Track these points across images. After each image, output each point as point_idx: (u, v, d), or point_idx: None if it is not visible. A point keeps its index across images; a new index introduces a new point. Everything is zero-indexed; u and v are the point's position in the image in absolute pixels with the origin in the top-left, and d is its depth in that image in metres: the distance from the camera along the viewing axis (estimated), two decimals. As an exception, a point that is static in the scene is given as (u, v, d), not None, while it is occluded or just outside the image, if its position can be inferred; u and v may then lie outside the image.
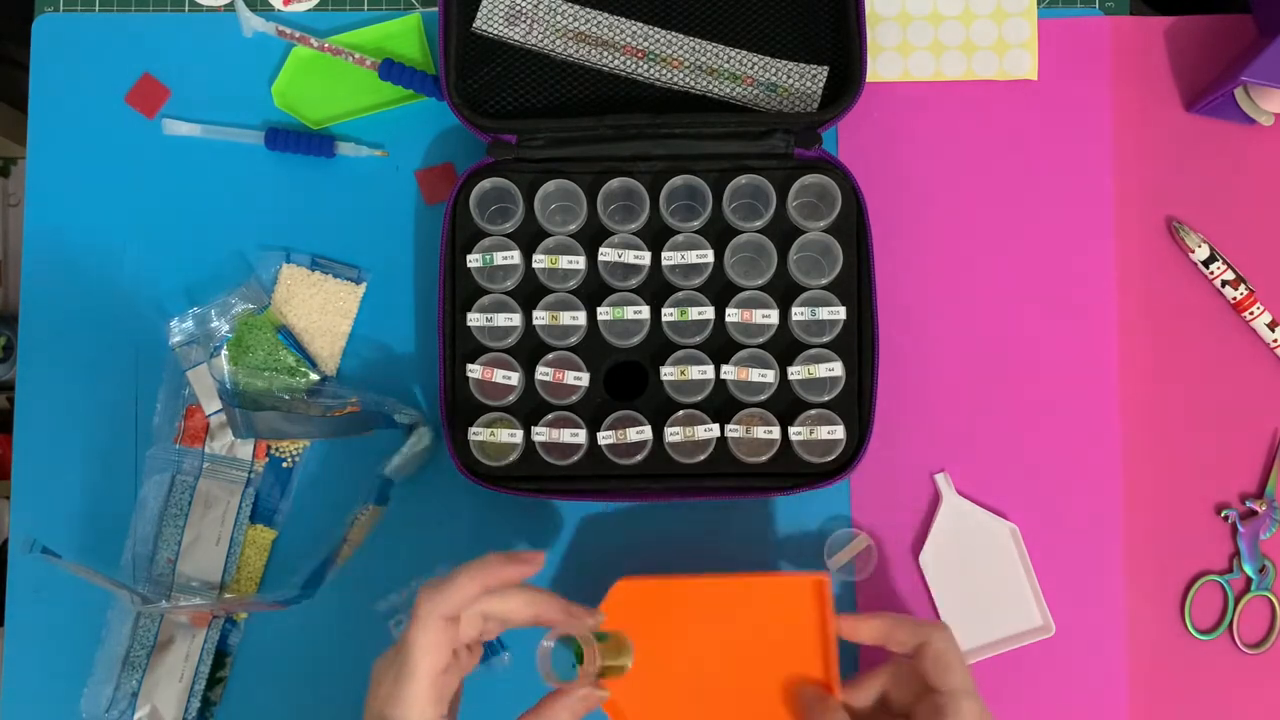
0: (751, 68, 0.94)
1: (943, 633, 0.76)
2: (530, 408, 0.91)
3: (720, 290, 0.91)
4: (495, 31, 0.95)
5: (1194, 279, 0.96)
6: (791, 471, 0.89)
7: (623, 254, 0.90)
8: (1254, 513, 0.94)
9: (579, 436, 0.89)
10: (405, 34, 0.98)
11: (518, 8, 0.95)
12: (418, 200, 0.97)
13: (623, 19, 0.95)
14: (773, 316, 0.90)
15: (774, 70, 0.94)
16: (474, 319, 0.90)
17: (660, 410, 0.90)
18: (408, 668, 0.73)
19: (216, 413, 0.95)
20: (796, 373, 0.89)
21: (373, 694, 0.75)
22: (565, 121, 0.92)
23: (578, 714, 0.74)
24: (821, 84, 0.94)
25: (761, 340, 0.90)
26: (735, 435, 0.89)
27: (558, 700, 0.74)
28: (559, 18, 0.95)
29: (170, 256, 0.97)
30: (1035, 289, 0.96)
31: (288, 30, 0.97)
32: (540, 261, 0.91)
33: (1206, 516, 0.95)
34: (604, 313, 0.90)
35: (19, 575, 0.95)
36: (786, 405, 0.90)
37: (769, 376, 0.89)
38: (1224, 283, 0.94)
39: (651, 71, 0.94)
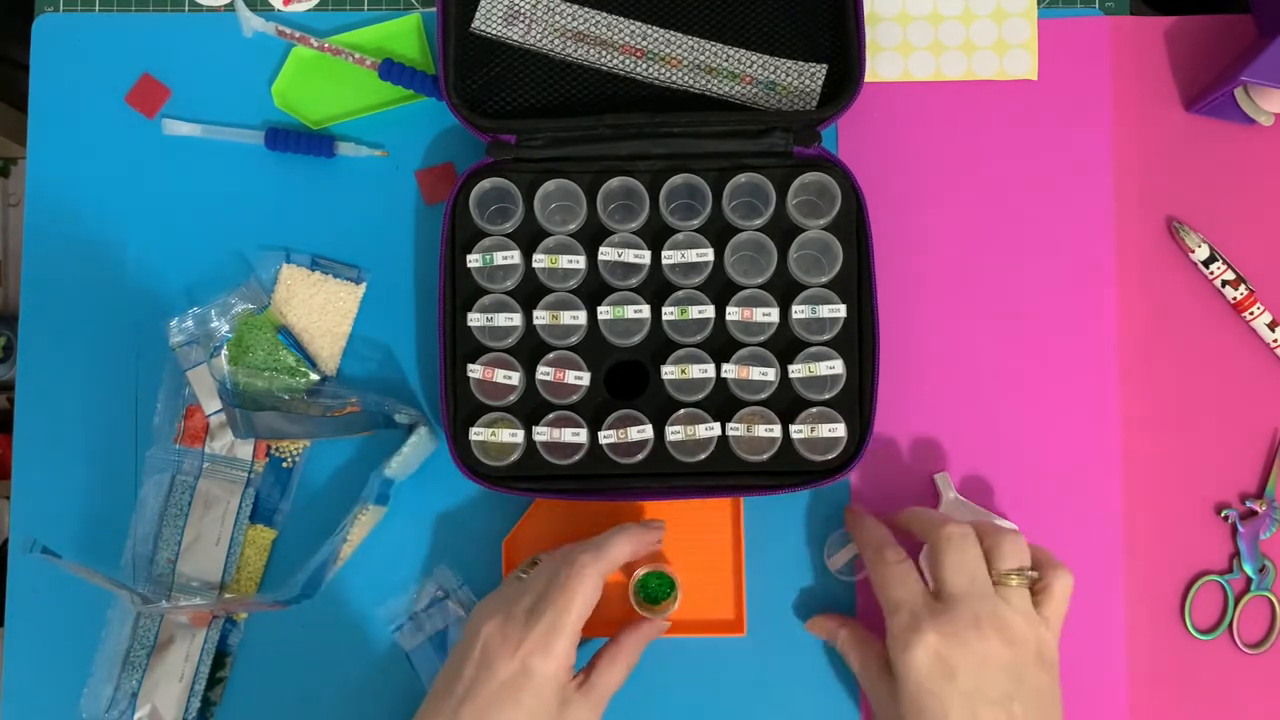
0: (750, 66, 0.94)
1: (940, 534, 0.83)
2: (531, 407, 0.91)
3: (720, 289, 0.91)
4: (494, 31, 0.95)
5: (1194, 279, 0.96)
6: (793, 470, 0.89)
7: (623, 253, 0.90)
8: (1254, 513, 0.94)
9: (580, 436, 0.89)
10: (405, 34, 0.98)
11: (516, 8, 0.95)
12: (418, 200, 0.97)
13: (621, 18, 0.95)
14: (773, 314, 0.90)
15: (773, 68, 0.94)
16: (474, 319, 0.90)
17: (661, 409, 0.90)
18: (563, 621, 0.78)
19: (216, 413, 0.95)
20: (797, 371, 0.89)
21: (505, 636, 0.79)
22: (565, 121, 0.92)
23: (649, 640, 0.86)
24: (820, 82, 0.94)
25: (762, 338, 0.90)
26: (736, 434, 0.89)
27: (638, 630, 0.86)
28: (557, 17, 0.95)
29: (170, 256, 0.97)
30: (1035, 288, 0.96)
31: (288, 30, 0.97)
32: (540, 261, 0.91)
33: (1206, 516, 0.95)
34: (604, 312, 0.90)
35: (19, 575, 0.95)
36: (787, 403, 0.90)
37: (770, 375, 0.89)
38: (1224, 283, 0.94)
39: (650, 70, 0.94)
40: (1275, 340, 0.94)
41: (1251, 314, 0.94)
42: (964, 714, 0.76)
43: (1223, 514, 0.94)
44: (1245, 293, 0.94)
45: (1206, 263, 0.94)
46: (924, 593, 0.81)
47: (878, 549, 0.85)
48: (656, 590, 0.91)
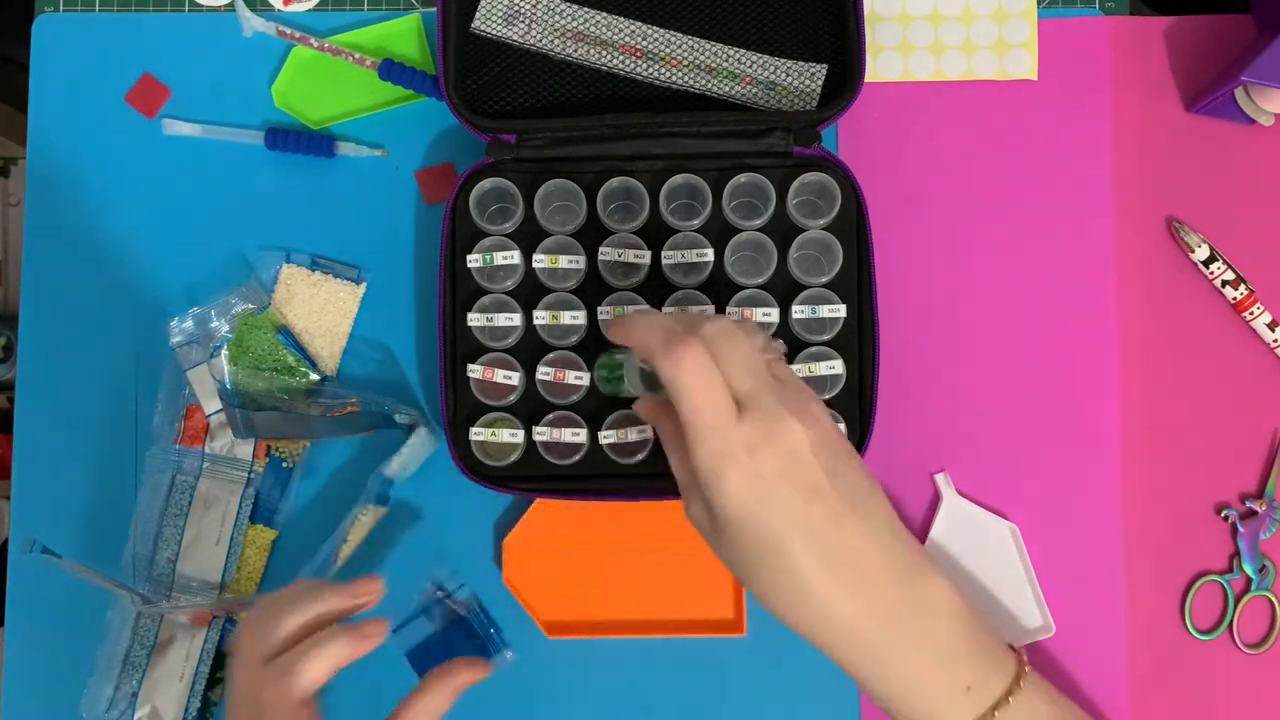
0: (750, 66, 0.94)
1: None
2: (531, 407, 0.91)
3: (720, 289, 0.91)
4: (494, 31, 0.95)
5: (1194, 279, 0.96)
6: (792, 470, 0.89)
7: (623, 253, 0.90)
8: (1254, 513, 0.94)
9: (580, 436, 0.89)
10: (405, 34, 0.98)
11: (516, 8, 0.95)
12: (418, 200, 0.97)
13: (621, 18, 0.95)
14: (773, 315, 0.90)
15: (773, 68, 0.94)
16: (474, 319, 0.90)
17: (661, 409, 0.90)
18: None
19: (216, 413, 0.95)
20: (797, 370, 0.89)
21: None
22: (564, 121, 0.92)
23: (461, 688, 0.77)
24: (820, 82, 0.94)
25: (762, 339, 0.90)
26: (736, 434, 0.89)
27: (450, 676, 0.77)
28: (557, 17, 0.95)
29: (170, 256, 0.97)
30: (1035, 288, 0.96)
31: (288, 30, 0.97)
32: (540, 261, 0.91)
33: (1206, 516, 0.95)
34: (604, 312, 0.90)
35: (19, 575, 0.95)
36: (787, 404, 0.90)
37: (769, 375, 0.89)
38: (1224, 283, 0.94)
39: (650, 70, 0.94)
40: (1275, 340, 0.94)
41: (1251, 314, 0.94)
42: (798, 527, 0.68)
43: (1223, 514, 0.94)
44: (1245, 293, 0.94)
45: (1206, 263, 0.94)
46: (728, 405, 0.68)
47: (665, 345, 0.69)
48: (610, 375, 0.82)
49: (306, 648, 0.73)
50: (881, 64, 0.98)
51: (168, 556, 0.93)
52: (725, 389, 0.68)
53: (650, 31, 0.95)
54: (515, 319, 0.90)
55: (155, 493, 0.94)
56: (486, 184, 0.91)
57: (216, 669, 0.92)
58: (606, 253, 0.90)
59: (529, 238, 0.92)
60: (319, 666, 0.73)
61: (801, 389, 0.72)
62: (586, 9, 0.95)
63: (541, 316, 0.90)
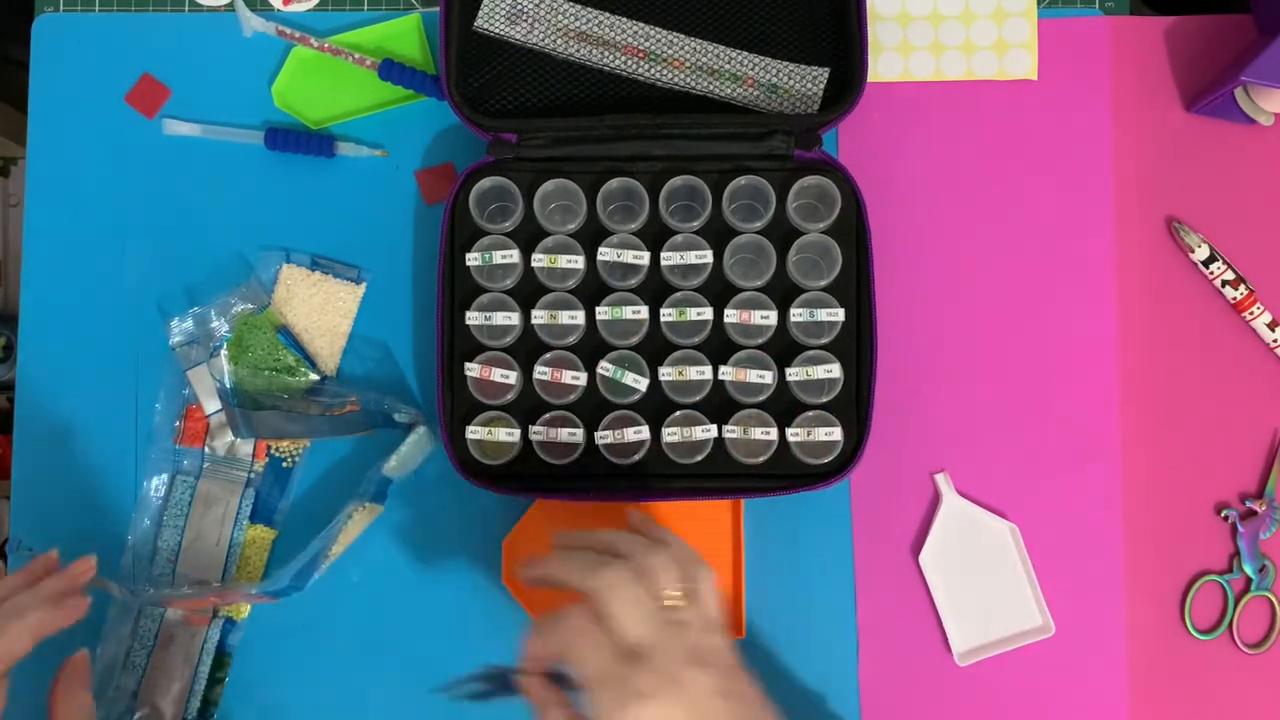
0: (752, 69, 0.94)
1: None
2: (528, 407, 0.91)
3: (719, 291, 0.91)
4: (496, 31, 0.95)
5: (1194, 279, 0.96)
6: (789, 473, 0.89)
7: (622, 254, 0.90)
8: (1254, 513, 0.94)
9: (577, 436, 0.89)
10: (405, 34, 0.98)
11: (519, 7, 0.95)
12: (418, 200, 0.97)
13: (624, 19, 0.95)
14: (771, 318, 0.89)
15: (775, 71, 0.94)
16: (473, 318, 0.90)
17: (658, 410, 0.90)
18: None
19: (216, 413, 0.95)
20: (795, 374, 0.89)
21: None
22: (565, 121, 0.92)
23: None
24: (822, 86, 0.94)
25: (760, 341, 0.90)
26: (733, 436, 0.89)
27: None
28: (560, 17, 0.95)
29: (170, 256, 0.97)
30: (1035, 289, 0.96)
31: (288, 30, 0.97)
32: (539, 261, 0.91)
33: (1206, 516, 0.95)
34: (602, 312, 0.90)
35: (19, 575, 0.95)
36: (784, 406, 0.90)
37: (767, 378, 0.89)
38: (1224, 283, 0.94)
39: (652, 72, 0.94)
40: (1275, 340, 0.94)
41: (1251, 314, 0.94)
42: None
43: (1223, 514, 0.94)
44: (1245, 293, 0.94)
45: (1206, 263, 0.94)
46: (614, 654, 0.71)
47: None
48: None
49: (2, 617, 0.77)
50: (881, 64, 0.98)
51: (168, 557, 0.94)
52: (608, 645, 0.71)
53: (653, 32, 0.95)
54: (513, 318, 0.90)
55: (155, 493, 0.94)
56: (486, 183, 0.92)
57: (216, 669, 0.93)
58: (606, 253, 0.90)
59: (528, 237, 0.92)
60: (18, 637, 0.77)
61: (697, 625, 0.73)
62: (589, 9, 0.95)
63: (540, 316, 0.90)
